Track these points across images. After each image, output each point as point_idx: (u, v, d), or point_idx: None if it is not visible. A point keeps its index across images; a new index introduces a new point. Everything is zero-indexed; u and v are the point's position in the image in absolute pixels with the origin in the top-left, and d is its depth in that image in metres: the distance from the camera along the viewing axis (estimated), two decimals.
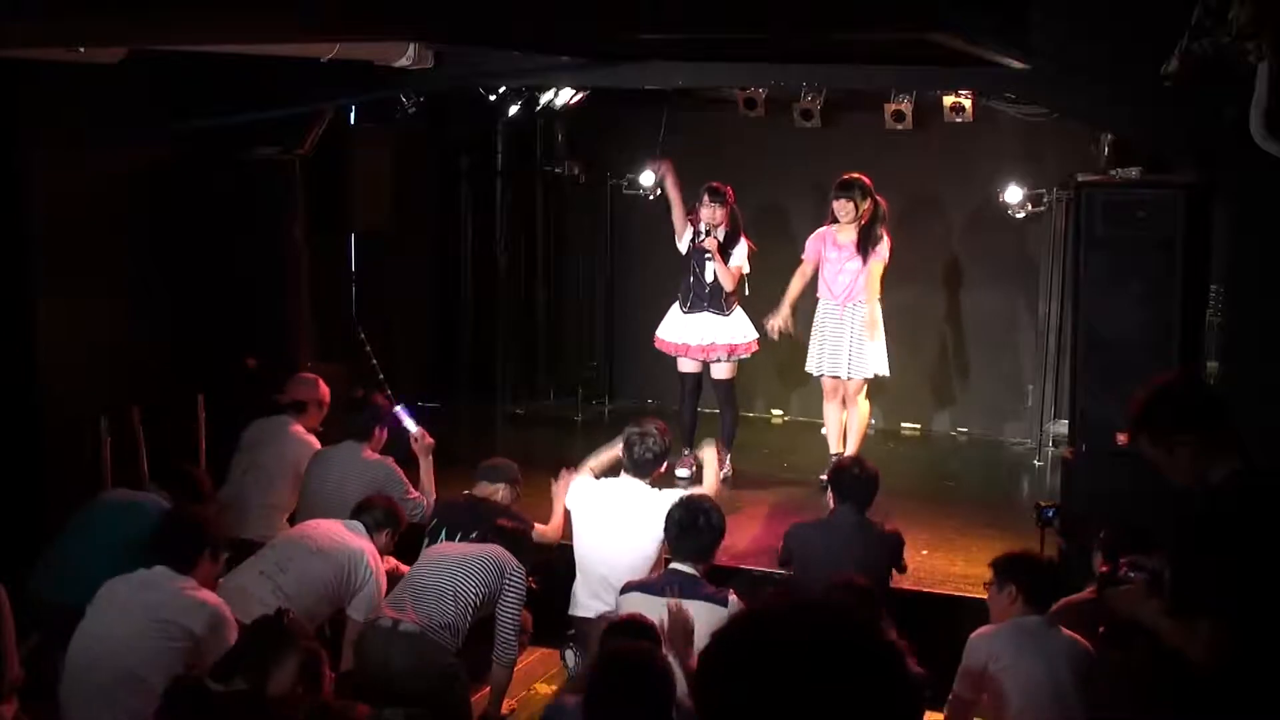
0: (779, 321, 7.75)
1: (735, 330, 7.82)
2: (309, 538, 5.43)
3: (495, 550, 5.44)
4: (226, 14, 4.21)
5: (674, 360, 8.04)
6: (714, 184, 7.71)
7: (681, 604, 4.52)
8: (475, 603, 5.28)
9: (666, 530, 5.17)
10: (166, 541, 4.82)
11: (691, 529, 5.10)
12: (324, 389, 6.81)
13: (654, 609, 4.84)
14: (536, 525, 6.03)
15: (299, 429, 6.62)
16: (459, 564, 5.34)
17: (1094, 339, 6.48)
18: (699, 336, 7.83)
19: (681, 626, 4.37)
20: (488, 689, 5.74)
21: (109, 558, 5.27)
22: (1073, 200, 7.74)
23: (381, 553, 5.61)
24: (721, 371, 7.90)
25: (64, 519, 5.64)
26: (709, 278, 7.75)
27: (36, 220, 6.61)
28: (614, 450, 6.02)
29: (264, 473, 6.46)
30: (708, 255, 7.65)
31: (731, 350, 7.83)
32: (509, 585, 5.38)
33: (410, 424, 6.50)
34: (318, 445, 6.58)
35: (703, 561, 5.08)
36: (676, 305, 7.95)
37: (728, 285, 7.70)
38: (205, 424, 6.82)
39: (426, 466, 6.43)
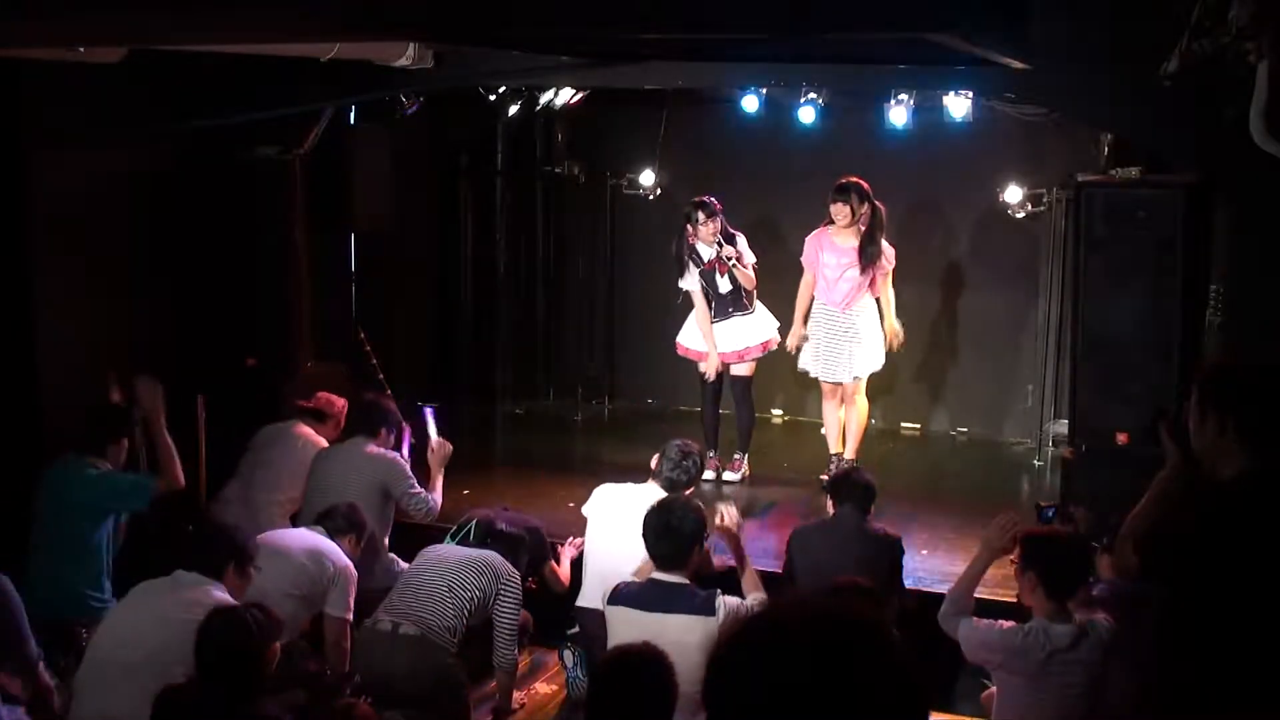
0: (794, 340, 7.83)
1: (761, 326, 7.89)
2: (270, 543, 5.37)
3: (490, 556, 5.49)
4: (226, 14, 4.21)
5: (683, 361, 8.05)
6: (700, 199, 7.77)
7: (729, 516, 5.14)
8: (471, 606, 5.32)
9: (644, 536, 4.98)
10: (192, 550, 4.84)
11: (664, 535, 4.92)
12: (344, 411, 6.81)
13: (643, 626, 4.70)
14: (553, 564, 6.13)
15: (308, 431, 6.64)
16: (455, 568, 5.38)
17: (1094, 339, 6.48)
18: (732, 343, 7.88)
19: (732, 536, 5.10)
20: (488, 690, 5.76)
21: (54, 539, 5.32)
22: (1073, 200, 7.73)
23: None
24: (742, 369, 7.95)
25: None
26: (725, 287, 7.78)
27: (36, 220, 6.61)
28: None
29: (271, 469, 6.48)
30: (730, 265, 7.68)
31: (765, 346, 7.90)
32: (504, 590, 5.43)
33: (432, 429, 6.43)
34: (325, 445, 6.59)
35: (682, 567, 4.89)
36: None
37: (749, 284, 7.78)
38: (205, 424, 6.81)
39: (437, 476, 6.40)
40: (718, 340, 7.90)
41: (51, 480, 5.60)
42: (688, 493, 5.85)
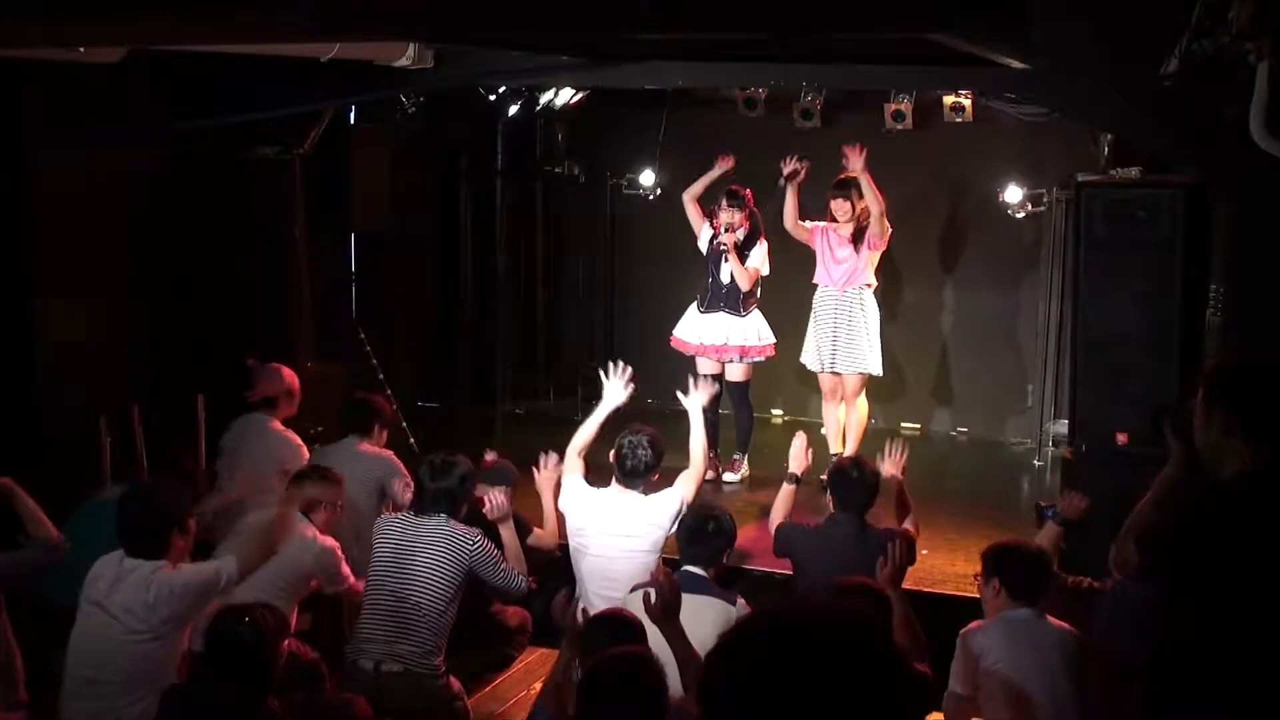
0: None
1: (750, 331, 7.85)
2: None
3: (445, 539, 5.26)
4: (226, 14, 4.21)
5: (683, 361, 8.06)
6: (732, 187, 7.77)
7: (671, 575, 4.47)
8: (445, 607, 5.21)
9: (678, 536, 5.23)
10: (132, 533, 4.69)
11: (696, 539, 5.13)
12: (289, 376, 6.65)
13: None
14: (535, 529, 5.97)
15: (277, 425, 6.53)
16: (418, 577, 5.21)
17: (1094, 339, 6.48)
18: (714, 336, 7.86)
19: (669, 602, 4.17)
20: (489, 688, 5.75)
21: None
22: (1073, 200, 7.73)
23: (323, 529, 5.47)
24: (736, 373, 7.93)
25: (63, 519, 5.58)
26: (725, 279, 7.78)
27: (36, 220, 6.61)
28: (594, 424, 5.93)
29: (248, 473, 6.40)
30: (724, 251, 7.67)
31: (744, 352, 7.86)
32: (476, 559, 5.27)
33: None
34: (297, 440, 6.51)
35: (712, 565, 5.12)
36: (694, 305, 7.98)
37: (744, 285, 7.75)
38: (205, 424, 6.81)
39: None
40: (701, 331, 7.89)
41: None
42: (654, 478, 5.74)
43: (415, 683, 5.11)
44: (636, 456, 5.65)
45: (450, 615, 5.26)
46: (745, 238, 7.72)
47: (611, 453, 5.83)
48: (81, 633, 4.62)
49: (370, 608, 5.25)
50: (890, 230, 7.66)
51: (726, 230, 7.67)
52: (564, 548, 5.91)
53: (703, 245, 7.90)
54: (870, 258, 7.68)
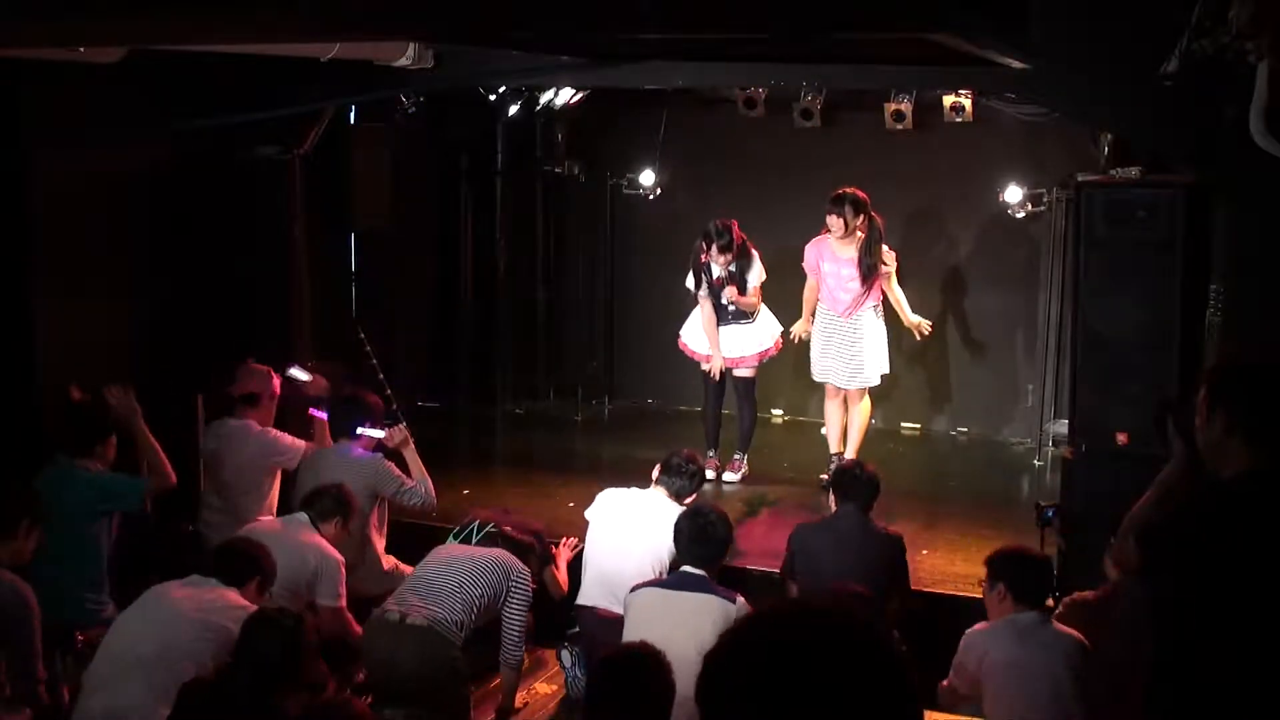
0: (799, 331, 7.86)
1: (764, 334, 7.90)
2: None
3: (502, 554, 5.53)
4: (227, 14, 4.21)
5: (683, 361, 8.10)
6: (720, 225, 7.66)
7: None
8: (480, 603, 5.35)
9: (676, 539, 5.30)
10: (222, 562, 4.87)
11: (700, 538, 5.23)
12: (275, 381, 6.62)
13: (666, 602, 4.93)
14: (551, 567, 6.12)
15: (253, 425, 6.43)
16: (465, 566, 5.42)
17: (1094, 339, 6.47)
18: (731, 349, 7.91)
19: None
20: (490, 687, 5.76)
21: (51, 542, 5.23)
22: (1073, 200, 7.73)
23: (332, 541, 5.56)
24: (745, 370, 7.97)
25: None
26: (729, 304, 7.80)
27: (36, 220, 6.61)
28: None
29: (235, 489, 6.36)
30: (730, 306, 7.74)
31: (763, 355, 7.91)
32: (514, 588, 5.48)
33: (376, 433, 6.33)
34: (276, 433, 6.45)
35: (711, 566, 5.19)
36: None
37: (752, 309, 7.82)
38: (205, 424, 6.80)
39: (411, 457, 6.35)
40: (720, 344, 7.90)
41: (44, 485, 5.58)
42: (689, 499, 5.94)
43: (435, 643, 5.17)
44: (688, 471, 5.99)
45: (478, 615, 5.36)
46: (738, 266, 7.71)
47: (656, 468, 6.03)
48: (125, 626, 4.66)
49: (414, 577, 5.45)
50: (895, 253, 7.68)
51: (721, 281, 7.68)
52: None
53: (692, 285, 7.89)
54: (893, 289, 7.68)
